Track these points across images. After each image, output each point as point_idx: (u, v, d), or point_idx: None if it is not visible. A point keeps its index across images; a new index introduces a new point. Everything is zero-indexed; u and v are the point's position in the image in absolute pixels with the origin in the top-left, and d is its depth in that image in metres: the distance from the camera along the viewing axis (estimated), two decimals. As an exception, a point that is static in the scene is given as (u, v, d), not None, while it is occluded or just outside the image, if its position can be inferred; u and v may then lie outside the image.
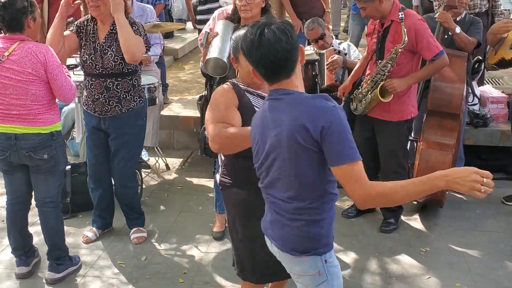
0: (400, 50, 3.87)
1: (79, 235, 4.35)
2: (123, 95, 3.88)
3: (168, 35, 9.70)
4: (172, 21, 9.48)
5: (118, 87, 3.85)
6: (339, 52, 4.79)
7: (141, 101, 4.02)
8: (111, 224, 4.40)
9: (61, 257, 3.73)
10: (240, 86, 2.76)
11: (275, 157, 2.22)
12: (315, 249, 2.28)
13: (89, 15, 3.94)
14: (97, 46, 3.82)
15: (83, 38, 3.90)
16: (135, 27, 3.82)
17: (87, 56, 3.83)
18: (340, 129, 2.07)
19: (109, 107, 3.87)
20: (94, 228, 4.31)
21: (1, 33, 3.45)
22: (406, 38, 3.83)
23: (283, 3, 6.75)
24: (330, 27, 8.24)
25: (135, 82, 3.95)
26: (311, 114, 2.09)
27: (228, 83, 2.80)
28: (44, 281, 3.73)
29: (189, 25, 9.83)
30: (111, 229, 4.40)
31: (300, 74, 2.33)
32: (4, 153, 3.45)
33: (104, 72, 3.81)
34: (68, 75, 3.56)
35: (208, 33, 3.76)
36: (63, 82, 3.46)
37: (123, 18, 3.68)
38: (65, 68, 3.58)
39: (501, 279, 3.70)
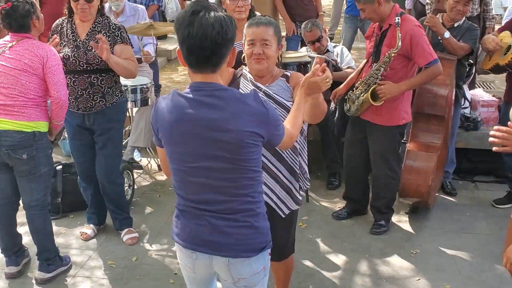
0: (393, 54, 3.88)
1: (69, 235, 4.34)
2: (106, 90, 3.90)
3: (162, 36, 9.68)
4: (166, 22, 9.45)
5: (102, 83, 3.86)
6: (328, 63, 4.73)
7: (122, 96, 4.07)
8: (105, 220, 4.39)
9: (51, 258, 3.70)
10: (243, 71, 2.78)
11: (212, 160, 2.09)
12: (267, 242, 2.25)
13: (61, 19, 3.95)
14: (79, 43, 3.81)
15: (61, 40, 3.89)
16: (122, 34, 3.89)
17: (69, 54, 3.81)
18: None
19: (93, 102, 3.87)
20: (91, 225, 4.31)
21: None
22: (400, 43, 3.83)
23: (277, 5, 6.74)
24: (327, 29, 8.26)
25: (117, 78, 3.99)
26: (259, 119, 2.07)
27: None
28: (33, 281, 3.70)
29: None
30: (106, 226, 4.39)
31: (225, 75, 2.23)
32: None
33: (89, 68, 3.81)
34: None
35: None
36: (61, 80, 3.47)
37: (113, 58, 3.76)
38: None
39: (491, 281, 3.71)
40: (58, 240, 4.13)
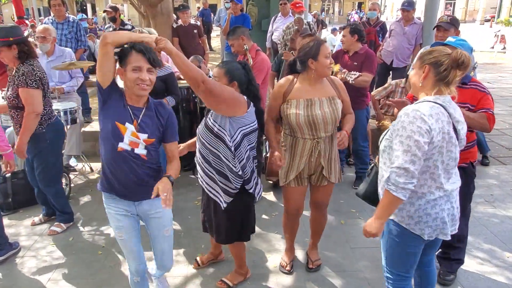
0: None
1: (19, 226, 4.04)
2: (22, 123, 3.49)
3: (93, 71, 9.35)
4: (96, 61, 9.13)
5: (19, 117, 3.49)
6: None
7: (41, 128, 3.54)
8: (54, 213, 4.08)
9: (2, 244, 3.45)
10: None
11: None
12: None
13: None
14: (10, 83, 3.53)
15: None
16: (24, 78, 3.34)
17: (1, 91, 3.57)
18: None
19: (16, 131, 3.56)
20: (41, 216, 4.06)
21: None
22: (251, 61, 4.00)
23: (175, 46, 6.69)
24: (214, 63, 8.30)
25: None
26: None
27: None
28: (-12, 264, 3.43)
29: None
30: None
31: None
32: None
33: (8, 104, 3.48)
34: None
35: None
36: None
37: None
38: None
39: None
40: (10, 230, 3.86)
